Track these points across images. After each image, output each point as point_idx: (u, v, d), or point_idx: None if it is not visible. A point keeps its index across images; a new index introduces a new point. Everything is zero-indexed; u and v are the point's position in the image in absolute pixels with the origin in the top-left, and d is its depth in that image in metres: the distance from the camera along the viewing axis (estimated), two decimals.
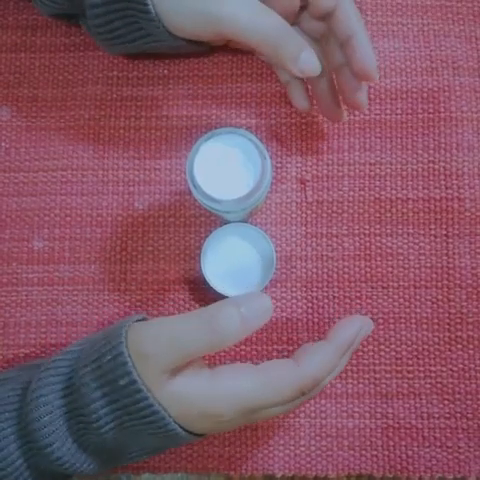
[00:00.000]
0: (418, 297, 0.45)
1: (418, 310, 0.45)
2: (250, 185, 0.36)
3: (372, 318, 0.44)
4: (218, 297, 0.44)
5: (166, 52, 0.46)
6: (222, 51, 0.47)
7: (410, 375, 0.44)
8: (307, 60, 0.37)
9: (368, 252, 0.45)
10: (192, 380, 0.34)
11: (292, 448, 0.44)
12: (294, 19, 0.41)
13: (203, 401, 0.33)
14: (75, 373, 0.35)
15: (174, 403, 0.33)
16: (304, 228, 0.46)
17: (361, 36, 0.38)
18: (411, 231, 0.46)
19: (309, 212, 0.46)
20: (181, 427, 0.34)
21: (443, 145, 0.46)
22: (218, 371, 0.35)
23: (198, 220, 0.46)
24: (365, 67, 0.38)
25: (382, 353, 0.44)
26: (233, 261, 0.44)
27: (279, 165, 0.46)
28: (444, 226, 0.45)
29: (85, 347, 0.37)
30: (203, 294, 0.45)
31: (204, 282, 0.43)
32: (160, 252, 0.46)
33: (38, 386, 0.35)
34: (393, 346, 0.44)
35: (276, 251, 0.45)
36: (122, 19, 0.40)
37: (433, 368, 0.44)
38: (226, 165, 0.37)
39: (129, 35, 0.41)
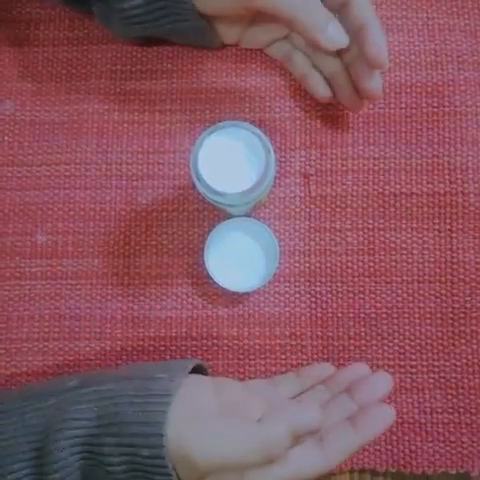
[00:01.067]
0: (422, 292, 0.45)
1: (421, 305, 0.45)
2: (254, 179, 0.36)
3: (375, 312, 0.44)
4: (221, 292, 0.44)
5: (176, 42, 0.46)
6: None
7: (413, 370, 0.44)
8: (335, 30, 0.39)
9: (372, 247, 0.45)
10: None
11: None
12: None
13: None
14: (96, 440, 0.33)
15: None
16: (308, 222, 0.46)
17: (373, 24, 0.39)
18: (415, 226, 0.45)
19: (313, 206, 0.46)
20: None
21: (447, 139, 0.46)
22: None
23: (201, 214, 0.46)
24: (376, 53, 0.39)
25: (385, 348, 0.44)
26: (236, 255, 0.44)
27: (283, 159, 0.46)
28: (448, 221, 0.45)
29: (108, 412, 0.34)
30: (206, 288, 0.45)
31: (207, 276, 0.43)
32: (163, 246, 0.46)
33: (56, 445, 0.33)
34: (396, 341, 0.44)
35: (279, 245, 0.44)
36: None
37: (436, 363, 0.44)
38: (230, 158, 0.37)
39: (152, 13, 0.41)
